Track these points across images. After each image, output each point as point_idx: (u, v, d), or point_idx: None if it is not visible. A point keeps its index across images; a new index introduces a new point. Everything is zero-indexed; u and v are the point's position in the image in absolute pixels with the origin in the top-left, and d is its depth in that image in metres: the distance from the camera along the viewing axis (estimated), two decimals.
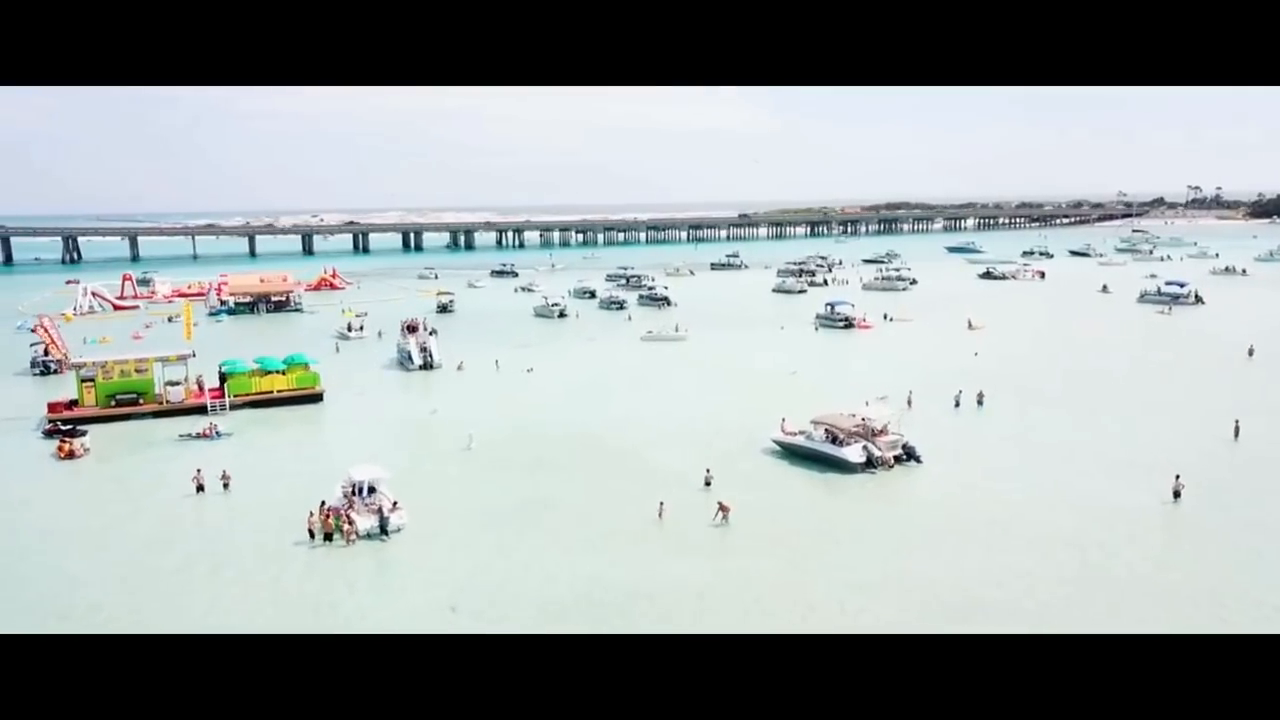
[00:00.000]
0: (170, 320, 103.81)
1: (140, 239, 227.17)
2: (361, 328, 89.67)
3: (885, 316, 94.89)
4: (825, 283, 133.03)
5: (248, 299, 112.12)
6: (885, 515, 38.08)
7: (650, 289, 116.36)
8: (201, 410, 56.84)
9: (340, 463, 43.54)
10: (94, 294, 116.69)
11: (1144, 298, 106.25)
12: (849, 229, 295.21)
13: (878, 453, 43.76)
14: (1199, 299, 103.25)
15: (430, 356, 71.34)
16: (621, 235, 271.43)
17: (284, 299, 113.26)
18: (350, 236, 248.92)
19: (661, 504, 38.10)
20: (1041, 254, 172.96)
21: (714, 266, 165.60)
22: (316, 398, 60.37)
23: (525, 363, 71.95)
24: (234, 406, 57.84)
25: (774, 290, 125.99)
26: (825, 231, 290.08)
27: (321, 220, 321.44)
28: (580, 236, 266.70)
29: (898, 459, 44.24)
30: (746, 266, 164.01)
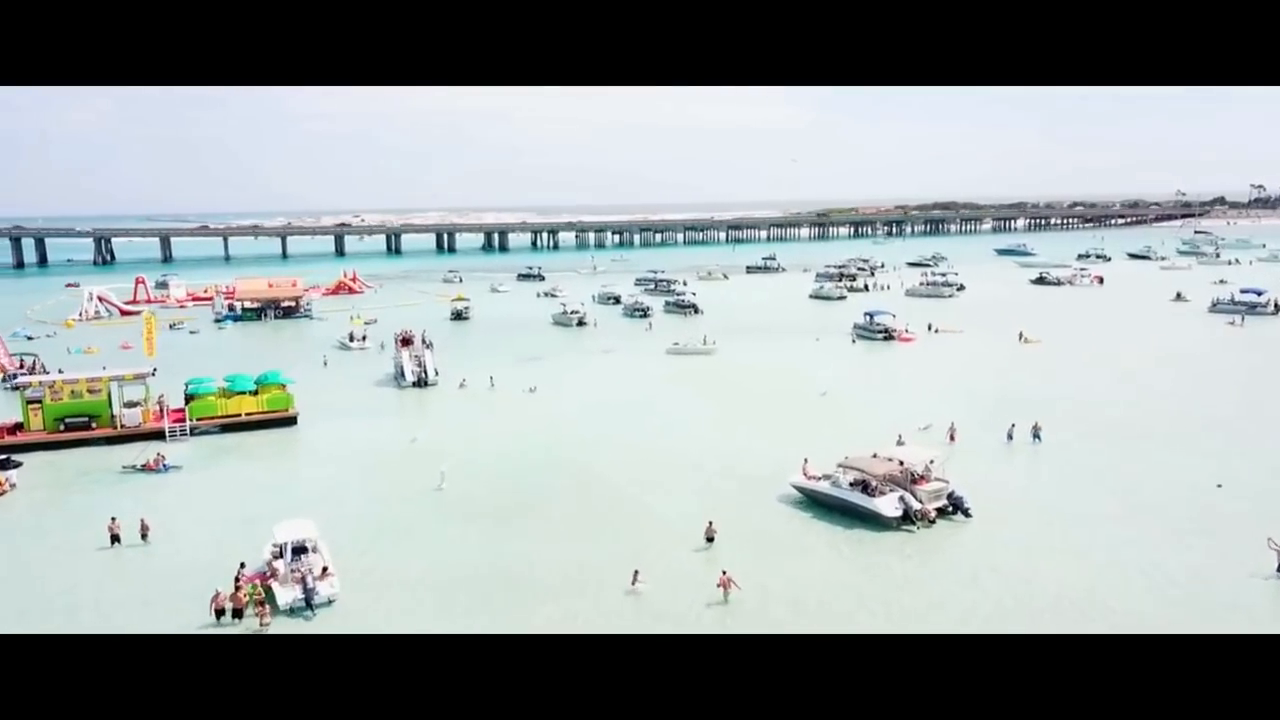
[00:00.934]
0: (173, 327, 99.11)
1: (174, 240, 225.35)
2: (364, 337, 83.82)
3: (929, 327, 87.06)
4: (866, 288, 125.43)
5: (255, 305, 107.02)
6: (924, 595, 30.80)
7: (678, 295, 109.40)
8: (161, 436, 51.16)
9: (289, 507, 37.51)
10: (100, 298, 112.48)
11: (1216, 306, 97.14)
12: (894, 230, 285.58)
13: (917, 505, 36.50)
14: (1279, 308, 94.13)
15: (424, 373, 65.11)
16: (659, 236, 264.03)
17: (293, 305, 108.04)
18: (383, 237, 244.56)
19: (636, 573, 31.30)
20: (1098, 257, 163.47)
21: (749, 270, 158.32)
22: (290, 421, 54.33)
23: (531, 379, 65.41)
24: (196, 431, 52.07)
25: (811, 296, 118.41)
26: (869, 232, 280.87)
27: (362, 220, 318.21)
28: (616, 237, 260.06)
29: (941, 512, 37.01)
30: (784, 270, 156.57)
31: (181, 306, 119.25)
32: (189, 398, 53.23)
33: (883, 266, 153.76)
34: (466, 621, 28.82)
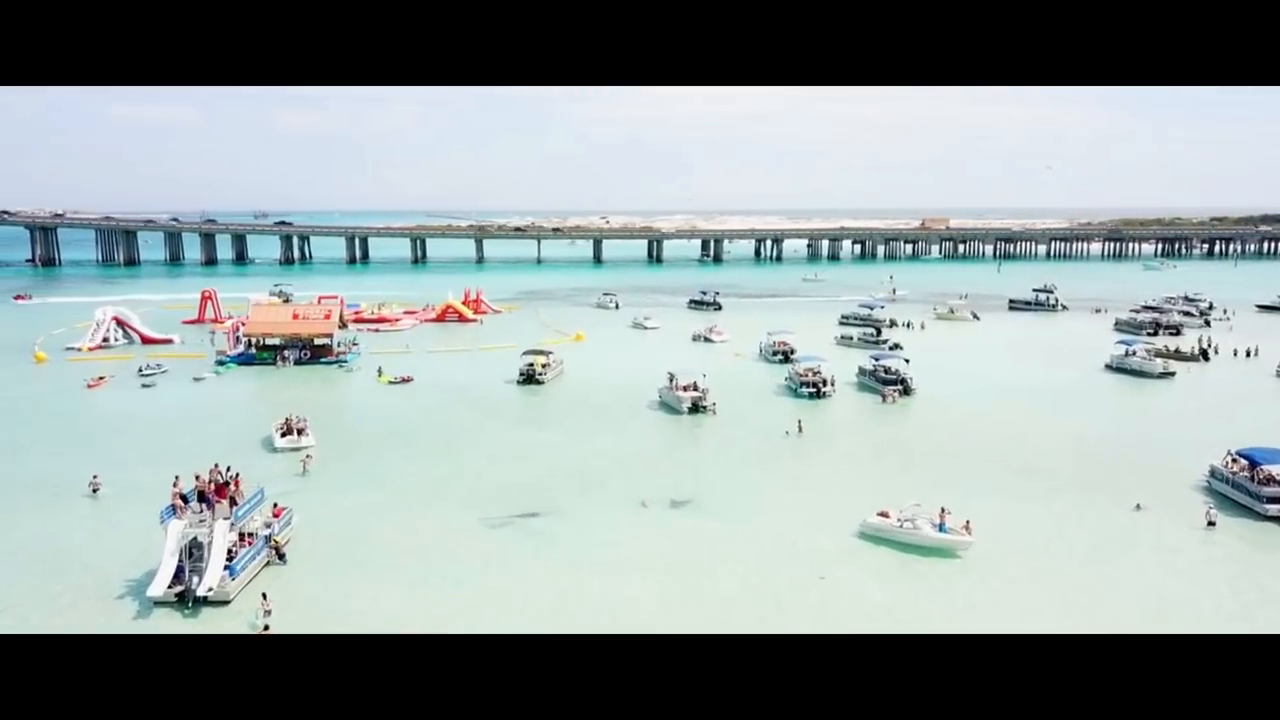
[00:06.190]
0: (141, 372, 70.08)
1: (370, 240, 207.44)
2: (300, 431, 49.78)
3: None
4: (1204, 354, 77.77)
5: (274, 341, 76.61)
6: None
7: (877, 360, 66.80)
8: None
9: None
10: (118, 321, 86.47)
11: None
12: (1216, 249, 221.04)
13: None
14: None
15: (196, 579, 29.53)
16: (909, 247, 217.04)
17: (325, 344, 76.69)
18: (590, 243, 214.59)
19: None
20: None
21: (1013, 305, 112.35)
22: None
23: (463, 604, 28.75)
24: None
25: (1109, 367, 72.83)
26: (1182, 251, 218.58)
27: (606, 223, 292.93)
28: (857, 248, 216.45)
29: None
30: (1063, 307, 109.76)
31: (218, 328, 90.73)
32: None
33: (1212, 308, 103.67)
34: None
